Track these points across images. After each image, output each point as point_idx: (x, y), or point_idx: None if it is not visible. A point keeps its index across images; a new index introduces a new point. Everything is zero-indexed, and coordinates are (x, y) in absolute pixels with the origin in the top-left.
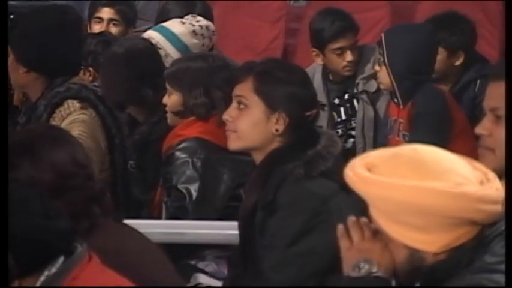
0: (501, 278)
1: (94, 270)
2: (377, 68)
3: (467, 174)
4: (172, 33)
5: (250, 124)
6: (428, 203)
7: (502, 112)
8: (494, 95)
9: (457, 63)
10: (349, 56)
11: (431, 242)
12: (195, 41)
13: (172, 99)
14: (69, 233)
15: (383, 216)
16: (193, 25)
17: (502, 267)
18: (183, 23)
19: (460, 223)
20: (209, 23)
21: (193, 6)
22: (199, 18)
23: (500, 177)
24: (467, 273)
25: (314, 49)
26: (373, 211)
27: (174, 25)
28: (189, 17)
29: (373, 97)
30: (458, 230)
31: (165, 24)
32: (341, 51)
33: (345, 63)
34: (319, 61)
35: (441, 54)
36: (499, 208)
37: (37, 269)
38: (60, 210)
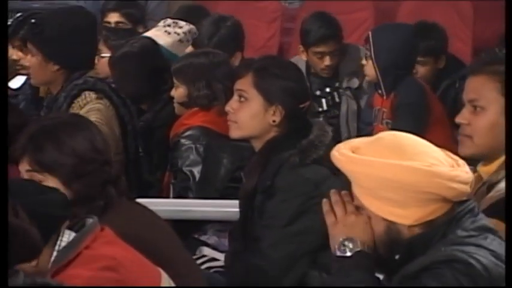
0: (472, 250)
1: (106, 240)
2: (364, 62)
3: (440, 158)
4: (161, 46)
5: (250, 115)
6: (406, 179)
7: (480, 103)
8: (472, 87)
9: (441, 66)
10: (327, 61)
11: (406, 216)
12: (182, 47)
13: (178, 92)
14: (64, 202)
15: (364, 192)
16: (179, 34)
17: (473, 240)
18: (169, 33)
19: (433, 199)
20: (191, 26)
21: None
22: (181, 23)
23: (478, 162)
24: (441, 246)
25: (301, 46)
26: (355, 188)
27: (160, 37)
28: (170, 22)
29: (356, 92)
30: (431, 206)
31: (152, 35)
32: (321, 55)
33: (323, 66)
34: (303, 57)
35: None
36: (468, 188)
37: (48, 240)
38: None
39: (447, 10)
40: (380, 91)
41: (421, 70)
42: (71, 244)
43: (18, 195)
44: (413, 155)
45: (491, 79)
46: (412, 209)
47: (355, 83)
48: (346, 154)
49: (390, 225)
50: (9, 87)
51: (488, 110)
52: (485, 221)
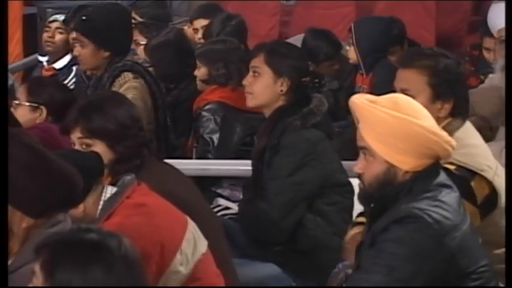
0: (426, 205)
1: (143, 192)
2: (347, 47)
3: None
4: None
5: (262, 87)
6: (415, 133)
7: (410, 92)
8: (403, 79)
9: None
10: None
11: (406, 162)
12: None
13: (200, 71)
14: (98, 158)
15: (375, 137)
16: None
17: (429, 194)
18: None
19: (428, 154)
20: None
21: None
22: None
23: None
24: (403, 202)
25: None
26: (366, 132)
27: None
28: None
29: (335, 92)
30: (424, 159)
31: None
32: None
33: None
34: None
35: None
36: (451, 153)
37: (89, 191)
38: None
39: (415, 6)
40: (361, 71)
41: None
42: (114, 195)
43: (61, 157)
44: (422, 116)
45: (420, 72)
46: (411, 158)
47: (335, 85)
48: (367, 103)
49: (390, 167)
50: (53, 68)
51: (417, 98)
52: (443, 178)
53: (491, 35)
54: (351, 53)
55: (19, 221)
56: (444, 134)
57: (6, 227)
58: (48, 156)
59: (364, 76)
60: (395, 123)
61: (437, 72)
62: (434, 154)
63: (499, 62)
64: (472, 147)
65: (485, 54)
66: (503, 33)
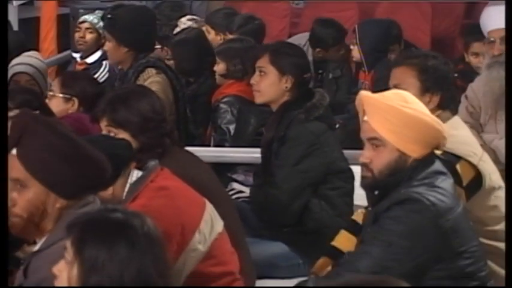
0: (424, 190)
1: (165, 176)
2: (352, 47)
3: None
4: None
5: (268, 85)
6: (424, 125)
7: (402, 86)
8: (396, 76)
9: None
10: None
11: (415, 150)
12: None
13: (219, 67)
14: (127, 145)
15: (387, 128)
16: None
17: (426, 181)
18: None
19: (432, 143)
20: None
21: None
22: None
23: None
24: (403, 187)
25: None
26: (377, 124)
27: None
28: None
29: (337, 79)
30: (429, 148)
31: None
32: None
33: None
34: None
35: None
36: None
37: (118, 176)
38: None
39: (412, 9)
40: (363, 68)
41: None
42: (139, 179)
43: (92, 144)
44: (426, 110)
45: (410, 69)
46: (420, 146)
47: (338, 73)
48: (379, 97)
49: (401, 155)
50: (85, 62)
51: (408, 91)
52: (439, 165)
53: (479, 40)
54: (355, 52)
55: (53, 202)
56: (444, 125)
57: (7, 226)
58: (81, 144)
59: (367, 73)
60: (407, 114)
61: (425, 69)
62: (437, 143)
63: (485, 61)
64: (459, 136)
65: (472, 60)
66: (492, 35)
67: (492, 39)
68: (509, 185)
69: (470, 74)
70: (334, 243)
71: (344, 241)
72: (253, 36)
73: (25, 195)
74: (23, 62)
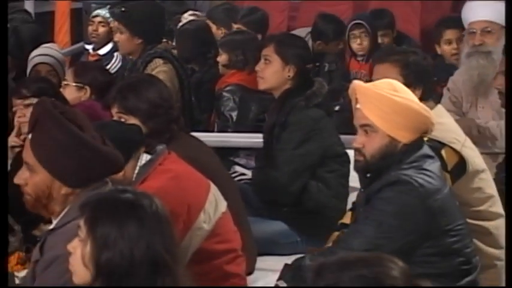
0: (413, 172)
1: (172, 160)
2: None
3: None
4: None
5: (272, 72)
6: (414, 112)
7: None
8: (379, 72)
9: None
10: None
11: (405, 136)
12: None
13: (222, 58)
14: (138, 130)
15: (379, 115)
16: None
17: (415, 164)
18: None
19: (420, 129)
20: None
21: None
22: None
23: None
24: (393, 170)
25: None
26: (369, 111)
27: None
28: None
29: (331, 73)
30: (417, 134)
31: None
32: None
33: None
34: None
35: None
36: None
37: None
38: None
39: (402, 4)
40: (360, 58)
41: (384, 40)
42: (148, 162)
43: (105, 129)
44: (414, 97)
45: (392, 65)
46: (409, 132)
47: (333, 66)
48: (371, 86)
49: (392, 141)
50: (98, 54)
51: None
52: (426, 150)
53: (450, 28)
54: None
55: (58, 188)
56: (431, 112)
57: (6, 226)
58: (84, 139)
59: (364, 62)
60: (397, 102)
61: (407, 65)
62: (425, 129)
63: (465, 50)
64: (443, 124)
65: (446, 48)
66: (473, 26)
67: (473, 30)
68: (509, 184)
69: (444, 69)
70: (343, 220)
71: (349, 219)
72: (257, 26)
73: (33, 179)
74: (43, 53)
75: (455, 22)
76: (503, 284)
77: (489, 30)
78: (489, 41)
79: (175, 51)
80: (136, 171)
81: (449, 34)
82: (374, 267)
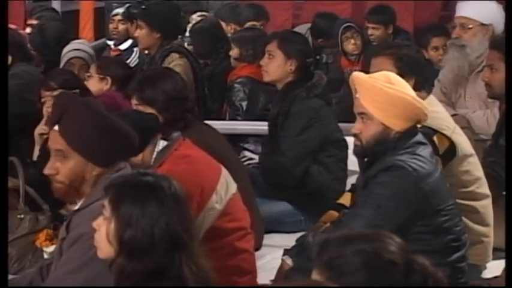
0: (407, 158)
1: (187, 146)
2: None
3: None
4: None
5: (276, 66)
6: (407, 102)
7: None
8: (375, 65)
9: (389, 31)
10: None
11: (398, 124)
12: None
13: (234, 52)
14: (154, 118)
15: (374, 104)
16: None
17: (409, 150)
18: None
19: (413, 118)
20: None
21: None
22: None
23: None
24: (389, 155)
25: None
26: (366, 101)
27: None
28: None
29: (329, 64)
30: (410, 122)
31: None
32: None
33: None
34: None
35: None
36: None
37: (147, 145)
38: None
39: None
40: (349, 57)
41: (376, 33)
42: (165, 148)
43: (125, 118)
44: (408, 89)
45: (387, 58)
46: (402, 121)
47: (330, 59)
48: (367, 78)
49: (385, 128)
50: (119, 49)
51: None
52: (420, 137)
53: (436, 36)
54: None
55: (90, 170)
56: (424, 103)
57: (6, 226)
58: (112, 119)
59: (356, 61)
60: (390, 93)
61: (400, 57)
62: (417, 118)
63: (451, 41)
64: (434, 113)
65: (433, 54)
66: (456, 20)
67: (454, 24)
68: (509, 184)
69: (432, 73)
70: (339, 201)
71: (347, 199)
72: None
73: (67, 165)
74: (76, 48)
75: (441, 30)
76: (490, 259)
77: (466, 26)
78: (465, 36)
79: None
80: (154, 156)
81: (436, 41)
82: (374, 242)
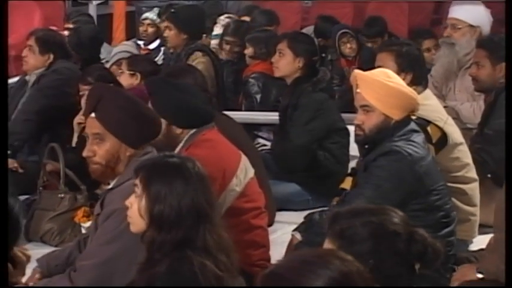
0: (402, 144)
1: (214, 133)
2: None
3: None
4: None
5: (285, 63)
6: (404, 95)
7: (383, 67)
8: (379, 59)
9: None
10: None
11: (395, 114)
12: None
13: (249, 50)
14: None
15: (375, 97)
16: None
17: (404, 137)
18: None
19: (409, 108)
20: None
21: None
22: None
23: None
24: (387, 142)
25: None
26: (368, 93)
27: None
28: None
29: (333, 61)
30: (405, 112)
31: None
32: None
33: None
34: None
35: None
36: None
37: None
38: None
39: (393, 7)
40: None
41: (375, 45)
42: (195, 132)
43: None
44: (404, 83)
45: (389, 54)
46: (400, 111)
47: (334, 56)
48: (369, 74)
49: (386, 118)
50: (148, 48)
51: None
52: (413, 125)
53: (427, 38)
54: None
55: (124, 151)
56: (420, 96)
57: (7, 226)
58: (143, 106)
59: (353, 61)
60: (390, 86)
61: (400, 54)
62: (412, 108)
63: (442, 39)
64: (429, 105)
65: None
66: (447, 21)
67: (446, 25)
68: (509, 184)
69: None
70: (343, 185)
71: (349, 184)
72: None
73: (103, 147)
74: (124, 50)
75: (430, 33)
76: (476, 234)
77: (457, 27)
78: (455, 35)
79: (213, 43)
80: (185, 138)
81: (428, 43)
82: (380, 215)
